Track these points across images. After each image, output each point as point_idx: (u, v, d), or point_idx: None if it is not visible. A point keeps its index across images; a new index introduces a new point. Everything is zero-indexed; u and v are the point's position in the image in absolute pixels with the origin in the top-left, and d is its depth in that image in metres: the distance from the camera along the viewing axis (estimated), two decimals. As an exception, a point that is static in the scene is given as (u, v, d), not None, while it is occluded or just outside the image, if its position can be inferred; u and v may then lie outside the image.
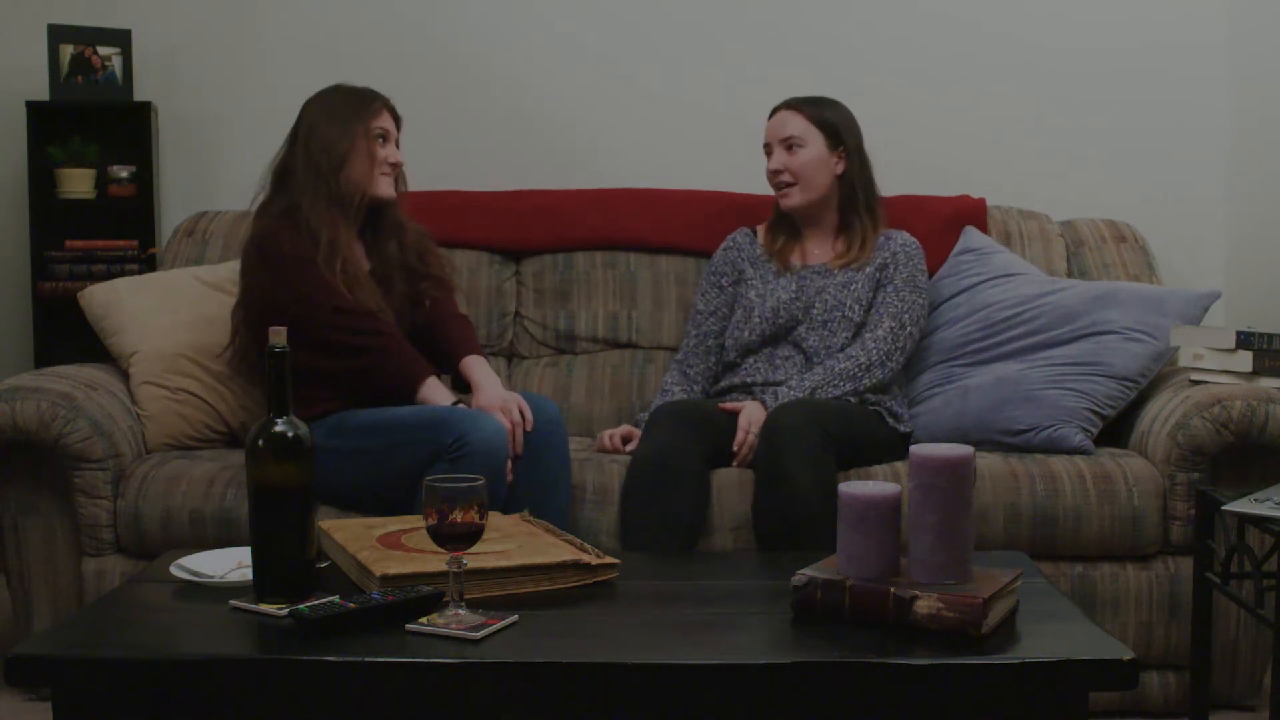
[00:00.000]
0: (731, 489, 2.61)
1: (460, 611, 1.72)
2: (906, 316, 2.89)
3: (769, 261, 3.01)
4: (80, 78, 3.48)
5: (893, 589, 1.71)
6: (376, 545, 1.97)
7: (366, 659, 1.61)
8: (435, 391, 2.60)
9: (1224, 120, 3.57)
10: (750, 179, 3.16)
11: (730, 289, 3.04)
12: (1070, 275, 3.24)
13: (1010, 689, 1.63)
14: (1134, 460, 2.65)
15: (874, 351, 2.83)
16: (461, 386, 2.75)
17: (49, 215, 3.49)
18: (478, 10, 3.63)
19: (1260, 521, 2.18)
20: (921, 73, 3.60)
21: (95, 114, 3.55)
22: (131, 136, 3.54)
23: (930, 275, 3.07)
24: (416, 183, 2.96)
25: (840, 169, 2.96)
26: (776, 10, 3.61)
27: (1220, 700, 2.63)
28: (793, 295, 2.93)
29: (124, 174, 3.51)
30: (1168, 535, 2.61)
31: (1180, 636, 2.59)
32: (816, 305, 2.91)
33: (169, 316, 2.93)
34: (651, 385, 3.14)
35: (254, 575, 1.84)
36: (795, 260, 3.00)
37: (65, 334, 3.39)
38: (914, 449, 1.78)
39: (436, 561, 1.78)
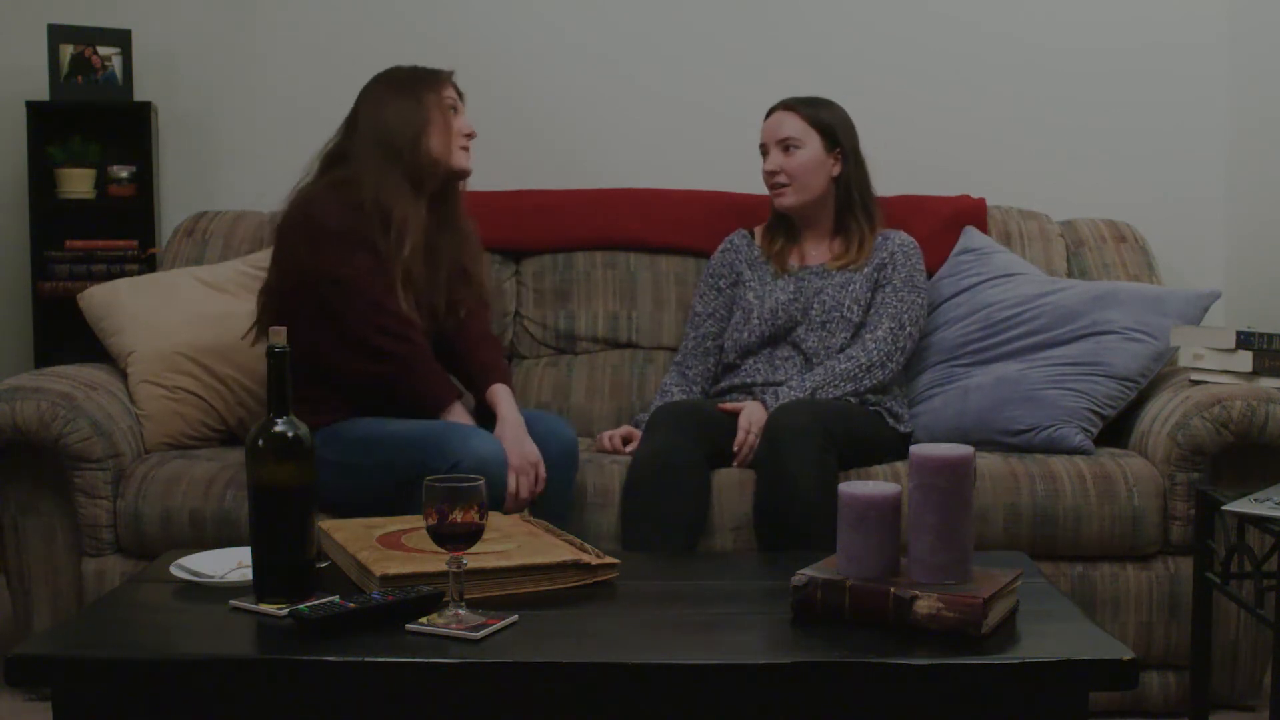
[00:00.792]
0: (732, 489, 2.61)
1: (460, 611, 1.72)
2: (906, 317, 2.89)
3: (766, 263, 3.01)
4: (80, 78, 3.47)
5: (893, 589, 1.71)
6: (376, 545, 1.97)
7: (366, 659, 1.61)
8: (459, 419, 2.52)
9: (1224, 120, 3.57)
10: (750, 179, 3.16)
11: (728, 291, 3.04)
12: (1070, 275, 3.24)
13: (1010, 689, 1.63)
14: (1134, 460, 2.65)
15: (874, 352, 2.83)
16: (481, 409, 2.64)
17: (49, 215, 3.48)
18: (478, 10, 3.63)
19: (1260, 521, 2.18)
20: (921, 73, 3.60)
21: (95, 114, 3.54)
22: (131, 136, 3.53)
23: (930, 275, 3.08)
24: (416, 182, 2.96)
25: (836, 170, 2.95)
26: (776, 10, 3.61)
27: (1220, 700, 2.63)
28: (791, 297, 2.93)
29: (124, 174, 3.51)
30: (1168, 535, 2.61)
31: (1180, 636, 2.59)
32: (815, 306, 2.91)
33: (168, 316, 2.93)
34: (651, 385, 3.14)
35: (254, 575, 1.84)
36: (793, 262, 2.99)
37: (65, 334, 3.39)
38: (914, 449, 1.78)
39: (436, 561, 1.78)
